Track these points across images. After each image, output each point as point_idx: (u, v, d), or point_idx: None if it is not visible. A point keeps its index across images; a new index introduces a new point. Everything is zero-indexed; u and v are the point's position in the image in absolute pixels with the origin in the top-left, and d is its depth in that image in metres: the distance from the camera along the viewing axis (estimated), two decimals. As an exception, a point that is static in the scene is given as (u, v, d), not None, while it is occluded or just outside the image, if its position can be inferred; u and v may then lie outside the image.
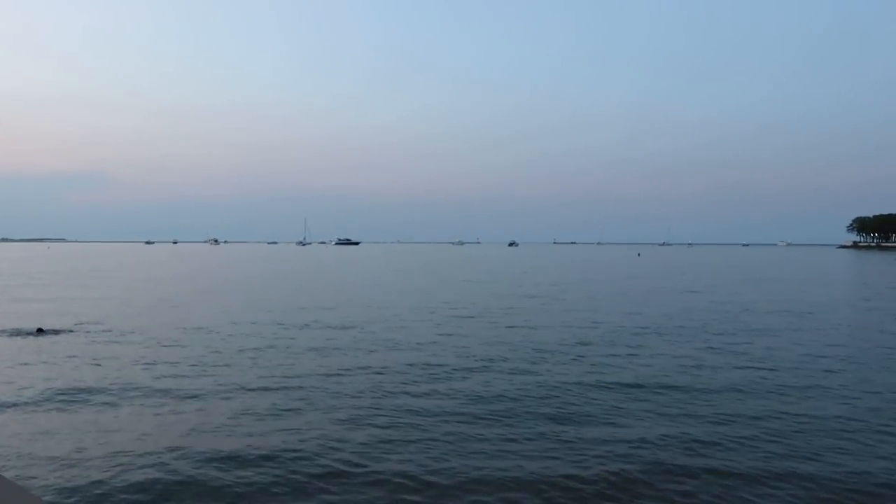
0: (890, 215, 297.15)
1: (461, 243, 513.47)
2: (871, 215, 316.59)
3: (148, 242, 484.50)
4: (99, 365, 15.93)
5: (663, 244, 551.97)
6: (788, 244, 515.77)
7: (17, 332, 20.92)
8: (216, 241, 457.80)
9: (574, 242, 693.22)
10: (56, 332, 21.22)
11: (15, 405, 12.10)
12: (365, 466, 9.04)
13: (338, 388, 13.57)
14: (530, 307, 30.30)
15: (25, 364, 15.94)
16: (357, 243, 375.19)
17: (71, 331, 21.49)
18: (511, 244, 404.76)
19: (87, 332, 21.43)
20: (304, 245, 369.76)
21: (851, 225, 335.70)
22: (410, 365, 16.12)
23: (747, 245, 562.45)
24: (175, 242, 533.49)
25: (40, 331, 21.06)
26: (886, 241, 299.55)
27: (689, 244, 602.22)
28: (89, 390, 13.28)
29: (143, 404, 12.23)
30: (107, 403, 12.30)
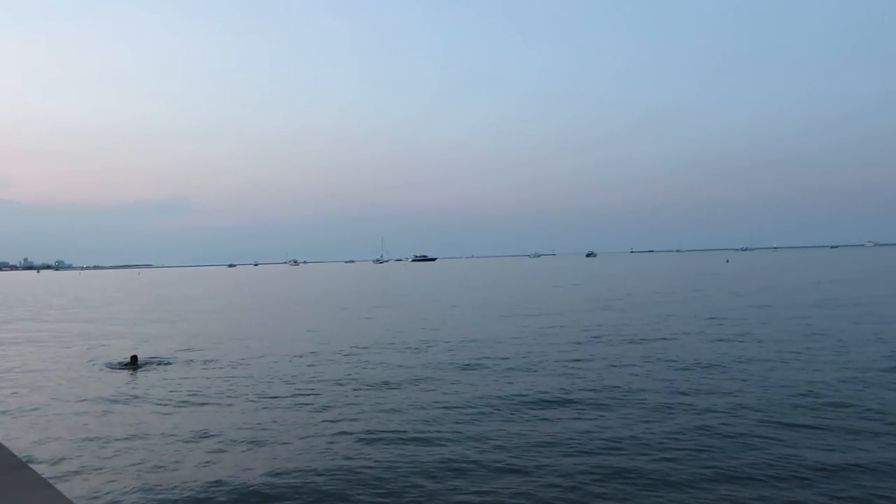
0: None
1: (537, 255, 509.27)
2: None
3: (231, 265, 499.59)
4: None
5: (745, 249, 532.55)
6: (876, 244, 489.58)
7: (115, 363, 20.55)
8: (296, 261, 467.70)
9: (651, 251, 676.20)
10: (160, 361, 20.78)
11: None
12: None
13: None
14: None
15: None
16: (433, 259, 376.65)
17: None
18: (589, 255, 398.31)
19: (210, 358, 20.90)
20: (381, 263, 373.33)
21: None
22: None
23: (836, 247, 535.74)
24: (256, 264, 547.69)
25: (134, 360, 20.51)
26: None
27: (775, 248, 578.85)
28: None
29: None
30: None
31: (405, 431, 11.79)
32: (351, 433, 11.81)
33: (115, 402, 15.04)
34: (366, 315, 35.80)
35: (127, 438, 11.89)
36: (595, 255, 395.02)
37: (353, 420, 12.74)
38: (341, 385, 16.18)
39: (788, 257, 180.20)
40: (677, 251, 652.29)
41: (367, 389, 15.63)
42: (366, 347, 22.72)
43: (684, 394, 14.10)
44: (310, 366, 19.23)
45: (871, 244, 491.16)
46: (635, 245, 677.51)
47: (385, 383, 16.26)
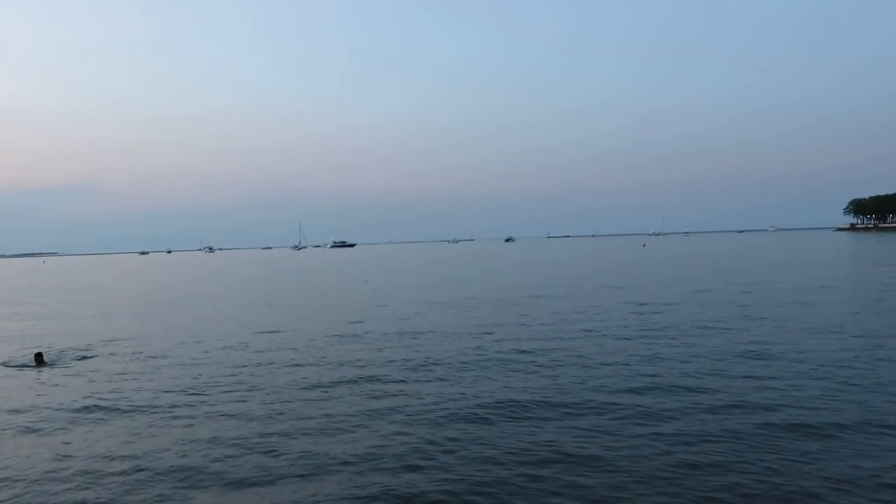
0: (887, 196, 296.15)
1: (456, 241, 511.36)
2: (867, 197, 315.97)
3: (142, 253, 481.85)
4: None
5: (657, 234, 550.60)
6: (777, 229, 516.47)
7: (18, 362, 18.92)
8: (211, 248, 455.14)
9: (568, 236, 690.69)
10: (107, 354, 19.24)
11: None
12: None
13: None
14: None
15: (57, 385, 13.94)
16: (353, 245, 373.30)
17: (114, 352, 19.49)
18: (508, 240, 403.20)
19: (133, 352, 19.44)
20: (299, 249, 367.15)
21: (848, 207, 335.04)
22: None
23: (742, 231, 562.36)
24: (169, 252, 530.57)
25: (39, 356, 18.96)
26: (884, 223, 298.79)
27: (686, 233, 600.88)
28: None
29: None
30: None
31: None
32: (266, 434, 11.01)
33: (15, 411, 13.66)
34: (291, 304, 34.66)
35: (26, 459, 10.71)
36: (514, 241, 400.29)
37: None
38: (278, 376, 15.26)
39: (700, 241, 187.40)
40: (593, 236, 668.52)
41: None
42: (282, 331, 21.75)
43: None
44: (240, 362, 18.18)
45: (774, 229, 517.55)
46: (552, 230, 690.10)
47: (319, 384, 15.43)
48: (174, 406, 13.45)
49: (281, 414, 12.55)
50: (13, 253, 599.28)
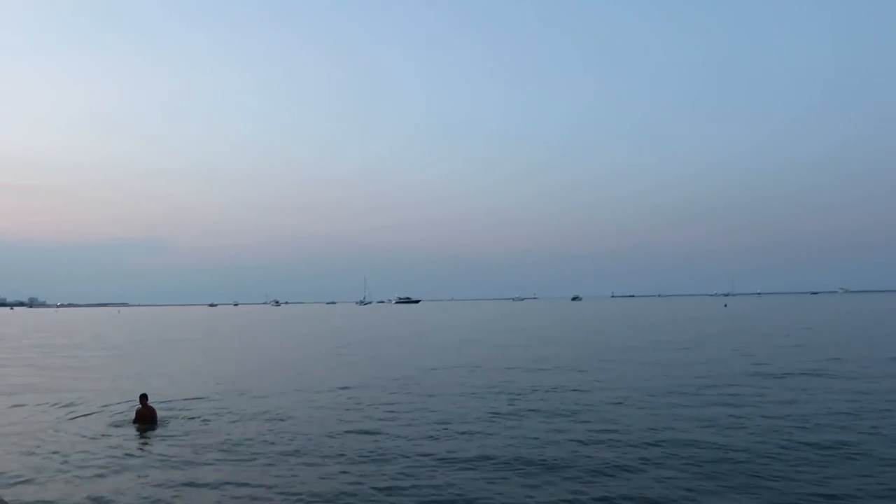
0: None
1: (521, 299, 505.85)
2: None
3: (211, 305, 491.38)
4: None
5: (728, 294, 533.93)
6: (846, 290, 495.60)
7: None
8: (277, 302, 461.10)
9: (632, 295, 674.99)
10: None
11: None
12: None
13: None
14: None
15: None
16: (417, 301, 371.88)
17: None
18: (574, 298, 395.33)
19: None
20: (364, 304, 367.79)
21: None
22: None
23: (816, 293, 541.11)
24: (236, 304, 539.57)
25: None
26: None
27: (759, 293, 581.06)
28: None
29: None
30: None
31: None
32: None
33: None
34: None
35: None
36: (580, 299, 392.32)
37: None
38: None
39: (773, 302, 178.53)
40: (658, 296, 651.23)
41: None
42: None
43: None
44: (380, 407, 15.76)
45: (843, 291, 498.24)
46: (615, 290, 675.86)
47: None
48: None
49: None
50: (87, 302, 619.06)
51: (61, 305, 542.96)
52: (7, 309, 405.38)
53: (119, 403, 19.18)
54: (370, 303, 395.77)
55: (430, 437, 14.19)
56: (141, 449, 13.55)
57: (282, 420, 16.40)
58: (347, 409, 17.80)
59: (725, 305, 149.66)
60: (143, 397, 16.27)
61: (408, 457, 12.43)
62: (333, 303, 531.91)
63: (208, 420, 16.49)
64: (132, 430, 15.35)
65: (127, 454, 13.04)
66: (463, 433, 14.50)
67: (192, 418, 16.71)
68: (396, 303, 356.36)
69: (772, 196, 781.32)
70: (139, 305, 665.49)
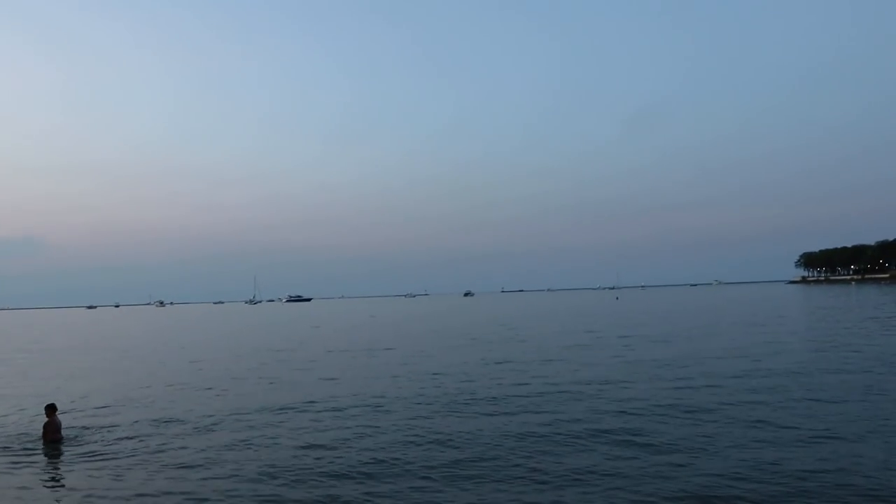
0: (835, 249, 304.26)
1: (412, 296, 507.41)
2: (817, 250, 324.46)
3: (90, 307, 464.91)
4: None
5: (613, 288, 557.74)
6: (719, 283, 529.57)
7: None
8: (161, 302, 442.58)
9: (522, 290, 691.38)
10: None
11: None
12: None
13: None
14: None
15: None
16: (309, 299, 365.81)
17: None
18: (467, 294, 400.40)
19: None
20: (254, 303, 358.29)
21: (799, 260, 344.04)
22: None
23: (695, 285, 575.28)
24: (117, 306, 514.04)
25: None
26: (833, 275, 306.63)
27: (643, 287, 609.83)
28: None
29: None
30: None
31: None
32: None
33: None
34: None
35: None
36: (473, 295, 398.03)
37: None
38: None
39: (656, 295, 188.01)
40: (548, 290, 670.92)
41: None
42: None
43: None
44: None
45: (717, 283, 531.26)
46: (506, 285, 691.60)
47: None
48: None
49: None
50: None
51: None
52: None
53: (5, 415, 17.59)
54: (260, 302, 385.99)
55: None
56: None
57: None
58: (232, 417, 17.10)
59: (617, 298, 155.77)
60: (51, 408, 15.01)
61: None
62: (221, 302, 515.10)
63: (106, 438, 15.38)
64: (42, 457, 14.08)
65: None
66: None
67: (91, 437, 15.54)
68: (287, 301, 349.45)
69: (642, 191, 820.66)
70: (9, 308, 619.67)
